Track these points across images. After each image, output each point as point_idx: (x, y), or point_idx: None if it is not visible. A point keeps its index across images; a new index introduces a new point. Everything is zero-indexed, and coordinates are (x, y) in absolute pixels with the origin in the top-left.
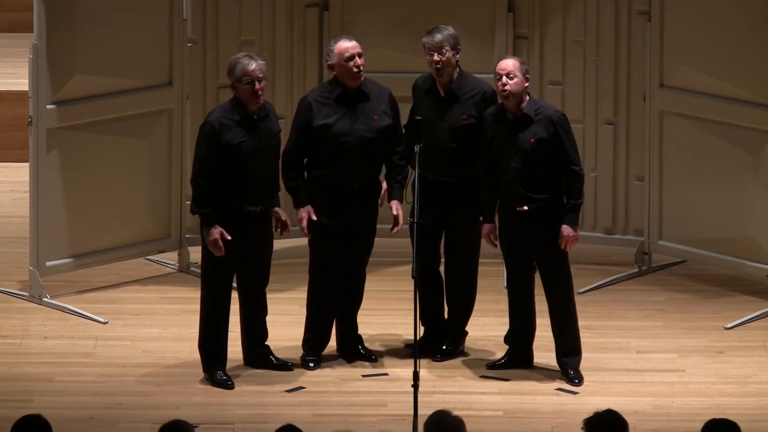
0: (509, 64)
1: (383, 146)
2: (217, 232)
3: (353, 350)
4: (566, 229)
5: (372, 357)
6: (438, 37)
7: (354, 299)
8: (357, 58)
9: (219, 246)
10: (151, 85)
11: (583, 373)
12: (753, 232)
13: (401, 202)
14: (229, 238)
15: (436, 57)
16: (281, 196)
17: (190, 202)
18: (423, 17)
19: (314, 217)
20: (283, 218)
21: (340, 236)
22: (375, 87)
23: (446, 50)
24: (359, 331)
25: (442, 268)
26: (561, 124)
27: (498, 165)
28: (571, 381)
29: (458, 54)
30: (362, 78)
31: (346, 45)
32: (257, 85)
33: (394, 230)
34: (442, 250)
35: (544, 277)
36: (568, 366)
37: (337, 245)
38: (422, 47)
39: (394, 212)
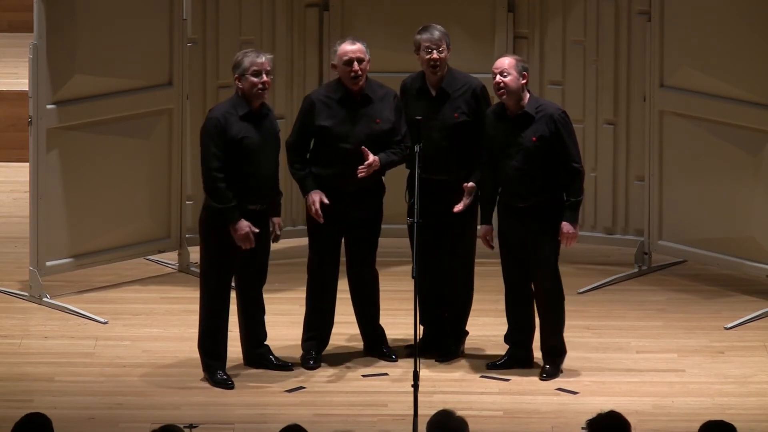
0: (504, 62)
1: (384, 149)
2: (245, 225)
3: (376, 349)
4: (566, 226)
5: (393, 357)
6: (437, 34)
7: (368, 301)
8: (356, 63)
9: (250, 239)
10: (151, 85)
11: (582, 372)
12: (753, 232)
13: (382, 162)
14: (257, 230)
15: (435, 54)
16: (283, 202)
17: (191, 203)
18: (423, 17)
19: (326, 201)
20: (278, 232)
21: (340, 234)
22: (380, 89)
23: (443, 48)
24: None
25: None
26: (562, 122)
27: (499, 163)
28: (549, 376)
29: (449, 53)
30: (361, 82)
31: (348, 48)
32: (264, 78)
33: (360, 168)
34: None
35: (529, 267)
36: (545, 361)
37: (335, 243)
38: (415, 45)
39: (369, 158)
